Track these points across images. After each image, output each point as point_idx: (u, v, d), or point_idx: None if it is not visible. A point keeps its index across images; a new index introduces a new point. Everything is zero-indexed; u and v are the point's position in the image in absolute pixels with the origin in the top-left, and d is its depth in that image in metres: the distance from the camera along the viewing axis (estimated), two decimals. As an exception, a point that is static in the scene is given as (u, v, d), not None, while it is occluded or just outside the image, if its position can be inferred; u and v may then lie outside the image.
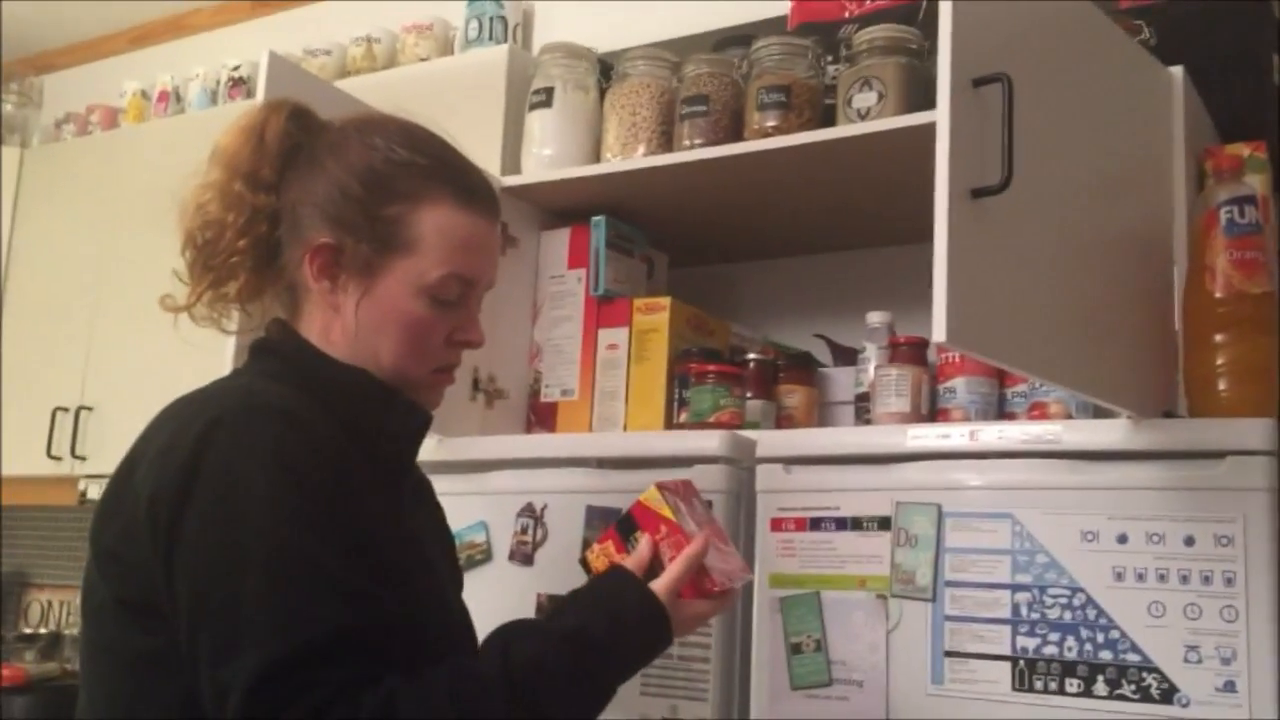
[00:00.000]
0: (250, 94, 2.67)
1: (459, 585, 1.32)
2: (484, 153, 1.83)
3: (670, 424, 1.80)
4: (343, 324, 1.16)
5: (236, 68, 2.81)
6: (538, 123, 1.99)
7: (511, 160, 2.01)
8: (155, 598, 1.01)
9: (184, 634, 0.98)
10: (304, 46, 2.71)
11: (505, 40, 2.35)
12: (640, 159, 1.88)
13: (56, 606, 3.17)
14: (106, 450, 2.67)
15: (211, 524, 0.99)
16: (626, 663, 1.11)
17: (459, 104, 2.06)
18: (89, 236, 2.83)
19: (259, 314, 1.23)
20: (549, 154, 1.97)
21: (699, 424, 1.74)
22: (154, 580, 1.01)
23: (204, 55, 3.04)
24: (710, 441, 1.59)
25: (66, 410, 2.76)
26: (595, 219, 1.93)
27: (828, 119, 1.77)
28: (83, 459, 2.73)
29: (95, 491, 2.70)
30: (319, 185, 1.16)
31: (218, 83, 2.84)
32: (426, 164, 1.17)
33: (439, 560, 1.26)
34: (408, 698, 0.96)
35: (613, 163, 1.91)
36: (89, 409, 2.74)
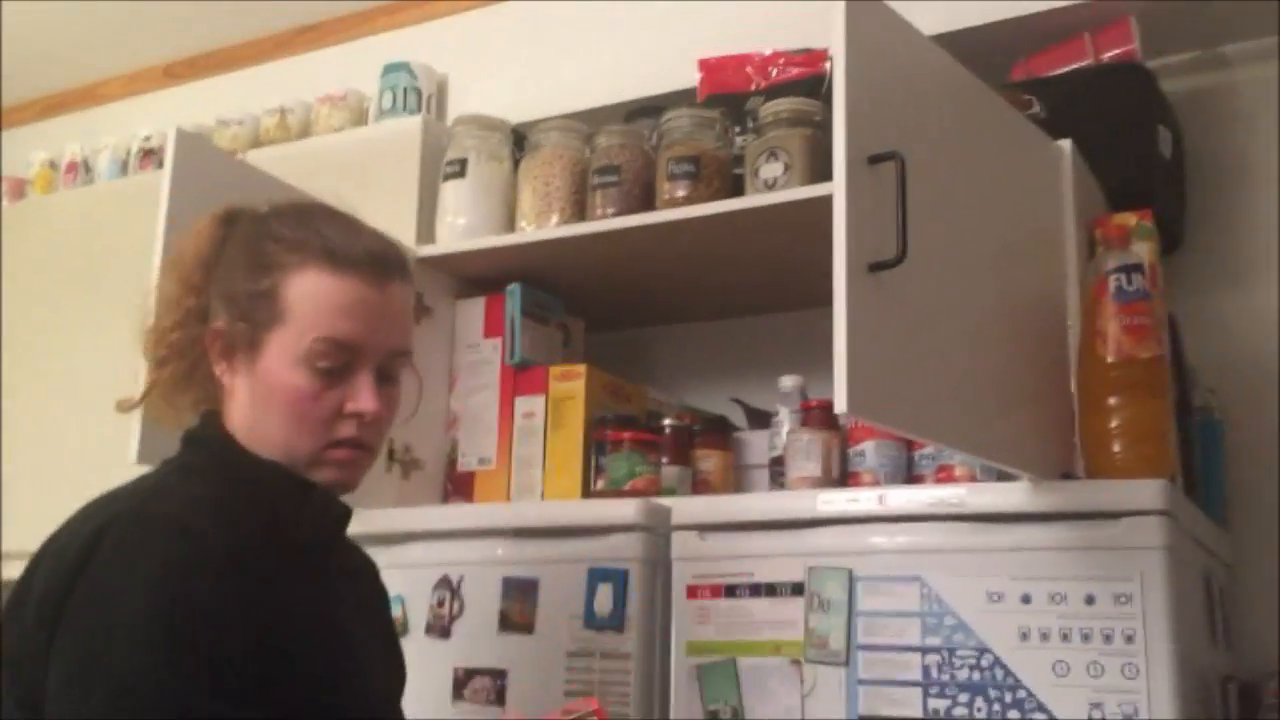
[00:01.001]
0: (160, 164, 2.65)
1: (400, 679, 1.32)
2: (399, 222, 1.83)
3: (588, 491, 1.81)
4: (239, 406, 1.18)
5: (148, 138, 2.77)
6: (452, 192, 2.00)
7: (426, 230, 2.01)
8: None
9: None
10: (217, 116, 2.69)
11: (419, 111, 2.36)
12: (554, 228, 1.90)
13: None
14: (13, 530, 2.59)
15: (78, 635, 0.99)
16: None
17: (373, 174, 2.07)
18: (-4, 307, 2.77)
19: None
20: (463, 223, 1.98)
21: (615, 491, 1.75)
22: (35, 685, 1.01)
23: (115, 125, 3.01)
24: (626, 510, 1.60)
25: (-30, 487, 2.68)
26: (510, 287, 1.95)
27: (737, 188, 1.80)
28: (-13, 538, 2.64)
29: (8, 572, 2.61)
30: (221, 273, 1.20)
31: (128, 152, 2.80)
32: (297, 235, 1.18)
33: (373, 656, 1.25)
34: None
35: (527, 232, 1.92)
36: (-6, 486, 2.67)
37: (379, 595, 1.35)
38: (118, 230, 2.37)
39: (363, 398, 1.17)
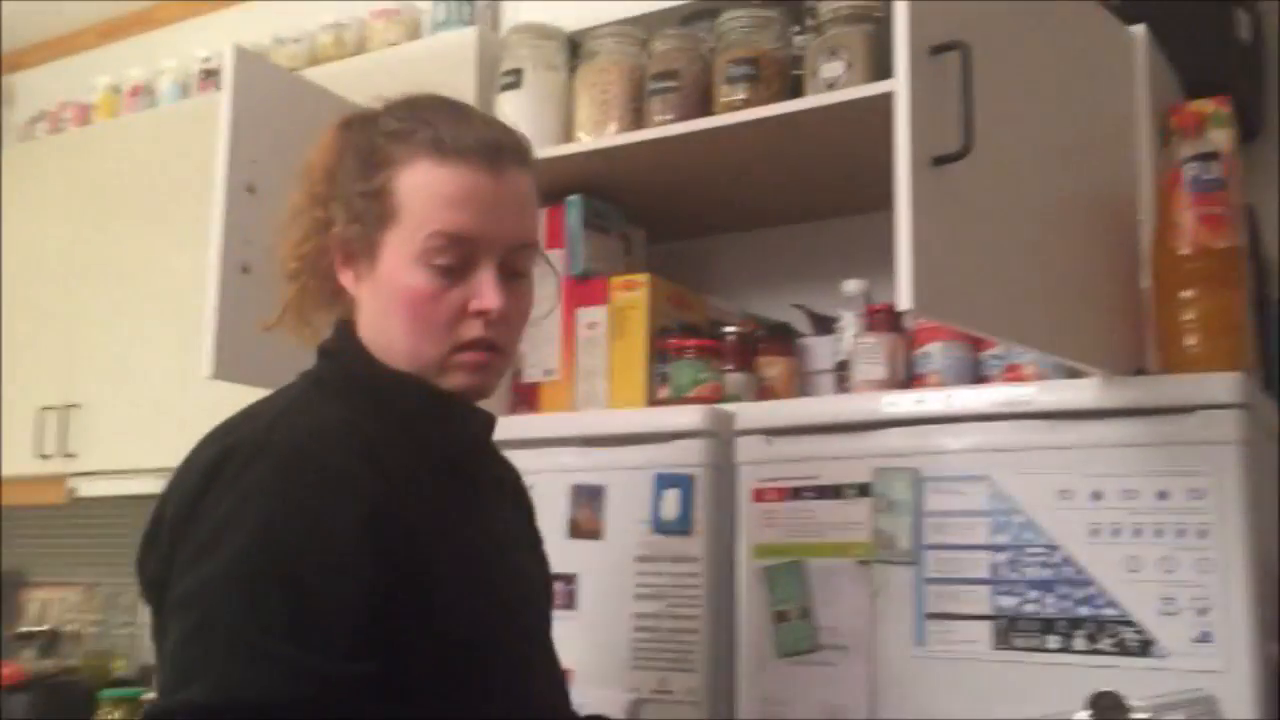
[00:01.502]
0: (220, 85, 2.67)
1: (549, 589, 1.29)
2: (456, 136, 1.82)
3: (652, 400, 1.82)
4: (366, 316, 1.14)
5: (207, 59, 2.79)
6: (508, 104, 1.99)
7: (484, 143, 2.00)
8: None
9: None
10: (273, 35, 2.70)
11: (473, 23, 2.34)
12: (612, 137, 1.88)
13: (54, 604, 3.18)
14: (95, 447, 2.68)
15: (190, 565, 0.97)
16: None
17: (429, 87, 2.05)
18: (68, 233, 2.82)
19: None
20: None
21: (680, 399, 1.76)
22: None
23: (173, 48, 3.03)
24: (690, 416, 1.60)
25: (53, 409, 2.77)
26: (570, 198, 1.94)
27: (796, 90, 1.77)
28: (72, 456, 2.74)
29: (86, 489, 2.71)
30: (340, 179, 1.15)
31: (189, 75, 2.83)
32: (404, 128, 1.12)
33: (522, 566, 1.22)
34: None
35: (585, 142, 1.91)
36: (76, 406, 2.75)
37: (525, 504, 1.32)
38: (182, 151, 2.41)
39: (485, 295, 1.10)
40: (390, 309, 1.11)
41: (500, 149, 1.12)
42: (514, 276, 1.13)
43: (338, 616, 0.97)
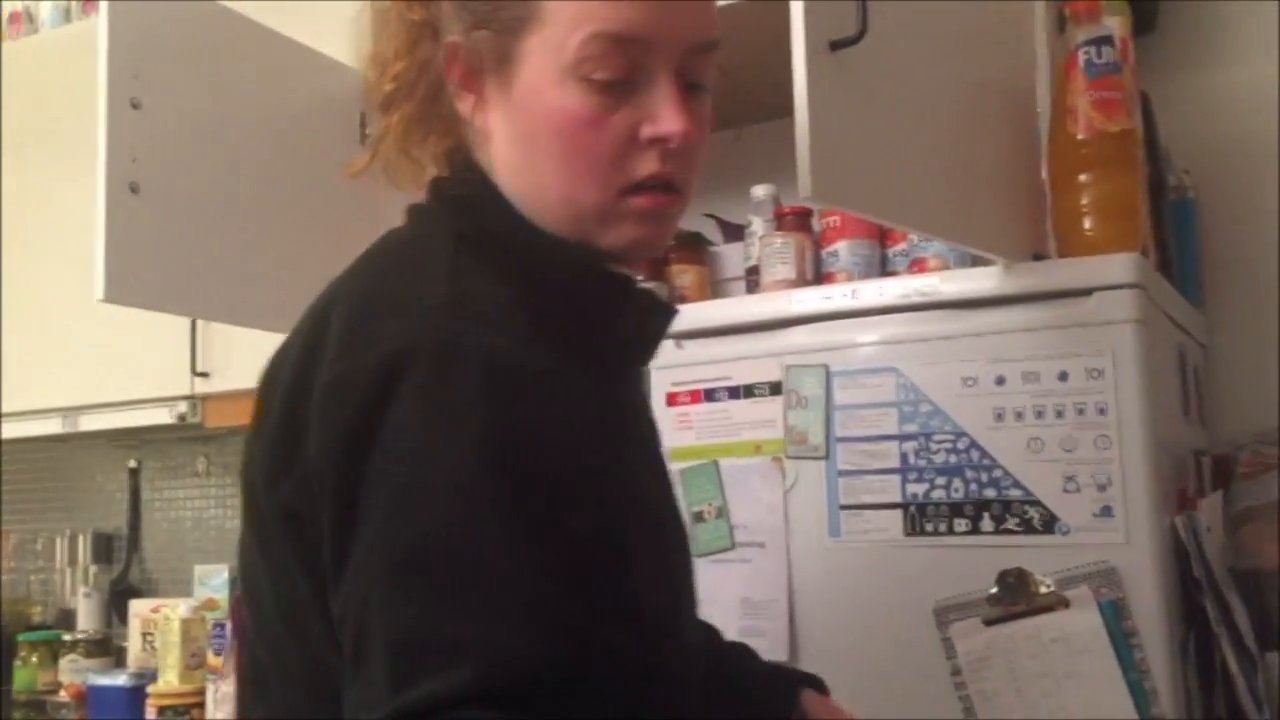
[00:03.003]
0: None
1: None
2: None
3: (564, 312, 1.80)
4: (499, 153, 0.87)
5: (89, -17, 2.68)
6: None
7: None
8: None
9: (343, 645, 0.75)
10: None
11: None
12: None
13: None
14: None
15: (376, 515, 0.73)
16: None
17: None
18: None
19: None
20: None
21: (591, 309, 1.74)
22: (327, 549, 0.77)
23: (54, -27, 2.90)
24: (602, 324, 1.59)
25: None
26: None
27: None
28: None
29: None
30: None
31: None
32: None
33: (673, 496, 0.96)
34: None
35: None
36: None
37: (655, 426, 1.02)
38: (67, 78, 2.31)
39: (665, 116, 0.83)
40: (535, 141, 0.84)
41: None
42: (694, 90, 0.87)
43: (590, 562, 0.75)
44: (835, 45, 1.11)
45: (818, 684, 1.11)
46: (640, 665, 0.78)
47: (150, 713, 2.13)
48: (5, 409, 2.42)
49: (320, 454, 0.76)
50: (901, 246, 1.59)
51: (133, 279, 1.42)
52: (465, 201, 0.88)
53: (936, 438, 1.35)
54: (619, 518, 0.81)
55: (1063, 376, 1.30)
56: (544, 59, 0.83)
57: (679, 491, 1.48)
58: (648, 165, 0.84)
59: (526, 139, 0.85)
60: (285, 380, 0.82)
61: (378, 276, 0.84)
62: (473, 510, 0.72)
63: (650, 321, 0.92)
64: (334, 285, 0.86)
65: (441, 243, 0.84)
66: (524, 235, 0.86)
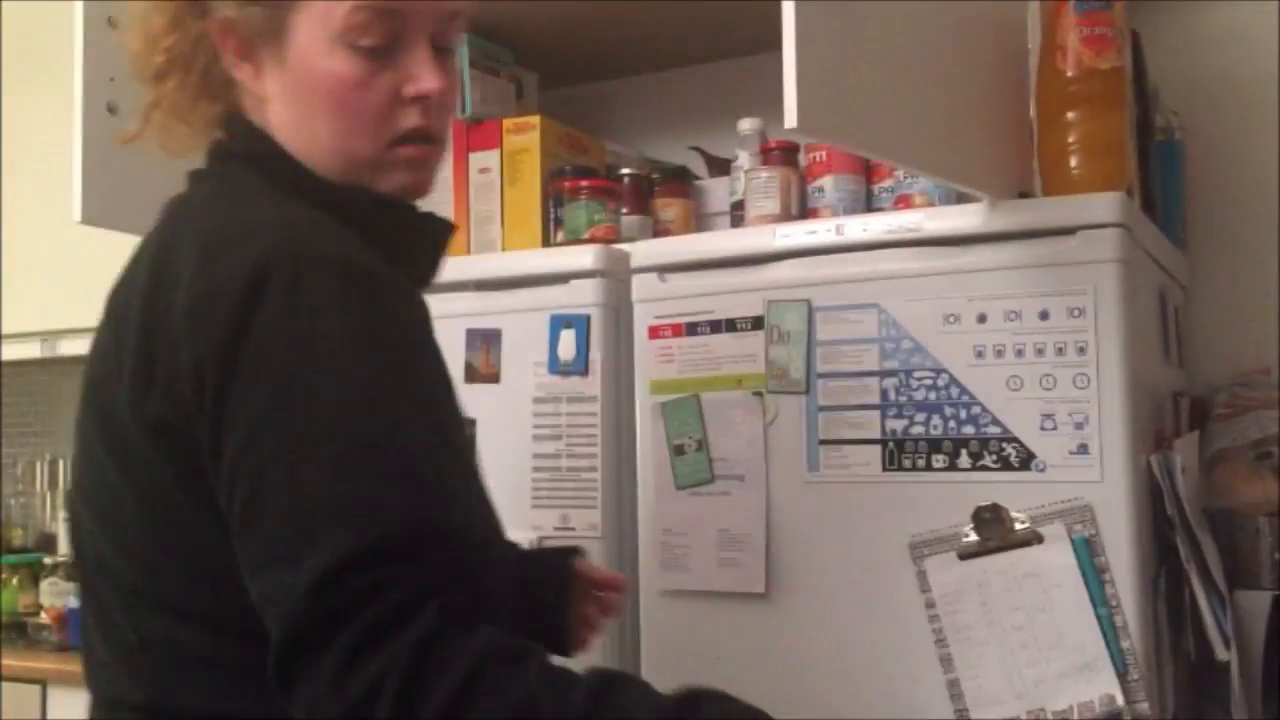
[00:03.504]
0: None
1: None
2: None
3: (548, 244, 1.80)
4: (275, 115, 0.97)
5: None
6: (390, -61, 1.90)
7: (365, -19, 1.92)
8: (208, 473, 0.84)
9: (233, 526, 0.82)
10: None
11: None
12: (499, -28, 1.81)
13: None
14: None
15: (262, 399, 0.81)
16: None
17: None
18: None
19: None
20: (403, -28, 1.89)
21: (575, 241, 1.74)
22: (203, 454, 0.84)
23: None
24: (585, 257, 1.59)
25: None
26: (457, 38, 1.87)
27: (687, -81, 1.72)
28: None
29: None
30: None
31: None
32: None
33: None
34: (496, 669, 0.78)
35: (470, -23, 1.84)
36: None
37: None
38: (48, 3, 2.27)
39: (423, 76, 0.95)
40: (311, 103, 0.94)
41: None
42: (444, 53, 0.98)
43: (442, 431, 0.89)
44: (824, -25, 1.09)
45: (580, 552, 1.28)
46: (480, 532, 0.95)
47: (131, 636, 2.14)
48: (-17, 332, 2.40)
49: (195, 360, 0.83)
50: (887, 183, 1.58)
51: (110, 201, 1.41)
52: (253, 155, 0.97)
53: (917, 374, 1.36)
54: (451, 405, 0.95)
55: (1044, 315, 1.30)
56: (313, 29, 0.94)
57: (661, 424, 1.49)
58: (410, 119, 0.96)
59: (302, 100, 0.95)
60: (135, 312, 0.88)
61: (211, 215, 0.92)
62: (355, 388, 0.82)
63: (432, 235, 1.02)
64: (157, 236, 0.94)
65: (254, 186, 0.94)
66: (314, 180, 0.96)
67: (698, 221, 1.88)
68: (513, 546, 1.17)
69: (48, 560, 2.41)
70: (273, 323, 0.82)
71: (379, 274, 0.88)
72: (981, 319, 1.33)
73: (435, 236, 1.03)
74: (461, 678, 0.76)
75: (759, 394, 1.45)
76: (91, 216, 1.39)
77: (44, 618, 2.33)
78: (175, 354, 0.84)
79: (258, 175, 0.95)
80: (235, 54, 0.97)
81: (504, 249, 1.82)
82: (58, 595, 2.33)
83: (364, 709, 0.74)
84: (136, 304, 0.89)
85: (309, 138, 0.96)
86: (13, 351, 2.41)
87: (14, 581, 2.41)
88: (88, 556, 0.96)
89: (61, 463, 2.74)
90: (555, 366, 1.58)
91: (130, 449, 0.88)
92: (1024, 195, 1.38)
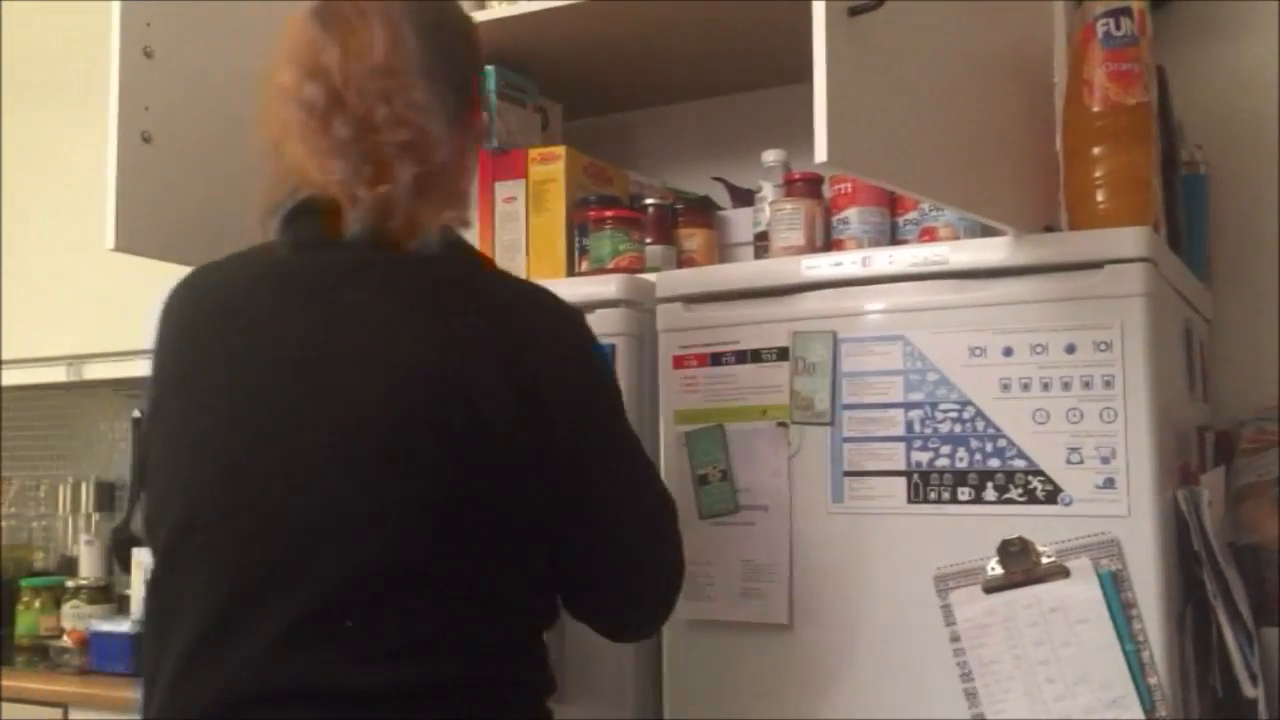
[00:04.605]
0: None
1: None
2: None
3: (572, 273, 1.81)
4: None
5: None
6: (418, -29, 1.93)
7: (394, 12, 1.94)
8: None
9: (591, 507, 1.15)
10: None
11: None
12: (526, 4, 1.83)
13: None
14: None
15: (607, 412, 1.21)
16: None
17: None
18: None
19: None
20: (432, 3, 1.91)
21: (599, 270, 1.75)
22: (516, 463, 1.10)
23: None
24: (610, 286, 1.60)
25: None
26: (484, 68, 1.89)
27: (713, -47, 1.74)
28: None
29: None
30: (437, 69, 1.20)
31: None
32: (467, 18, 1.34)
33: None
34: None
35: (498, 9, 1.86)
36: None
37: None
38: (72, 25, 2.30)
39: None
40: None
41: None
42: None
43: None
44: (854, 11, 1.10)
45: None
46: None
47: (152, 661, 2.14)
48: (11, 356, 2.42)
49: (549, 379, 1.12)
50: (911, 215, 1.59)
51: (143, 229, 1.43)
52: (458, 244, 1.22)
53: (942, 406, 1.36)
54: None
55: (1070, 349, 1.30)
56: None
57: (685, 454, 1.50)
58: None
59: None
60: (486, 359, 1.09)
61: (522, 292, 1.23)
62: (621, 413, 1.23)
63: None
64: (460, 297, 1.14)
65: (493, 270, 1.29)
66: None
67: (721, 251, 1.89)
68: None
69: (70, 583, 2.42)
70: (591, 360, 1.21)
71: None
72: (1008, 352, 1.33)
73: None
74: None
75: (784, 425, 1.45)
76: (125, 244, 1.41)
77: (66, 641, 2.33)
78: (531, 370, 1.10)
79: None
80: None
81: (528, 278, 1.82)
82: (79, 619, 2.34)
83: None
84: (487, 351, 1.09)
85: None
86: (39, 375, 2.43)
87: (36, 604, 2.42)
88: (366, 551, 1.05)
89: (84, 486, 2.76)
90: (580, 395, 1.58)
91: (491, 465, 1.08)
92: (1050, 229, 1.38)
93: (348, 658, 1.03)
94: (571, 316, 1.20)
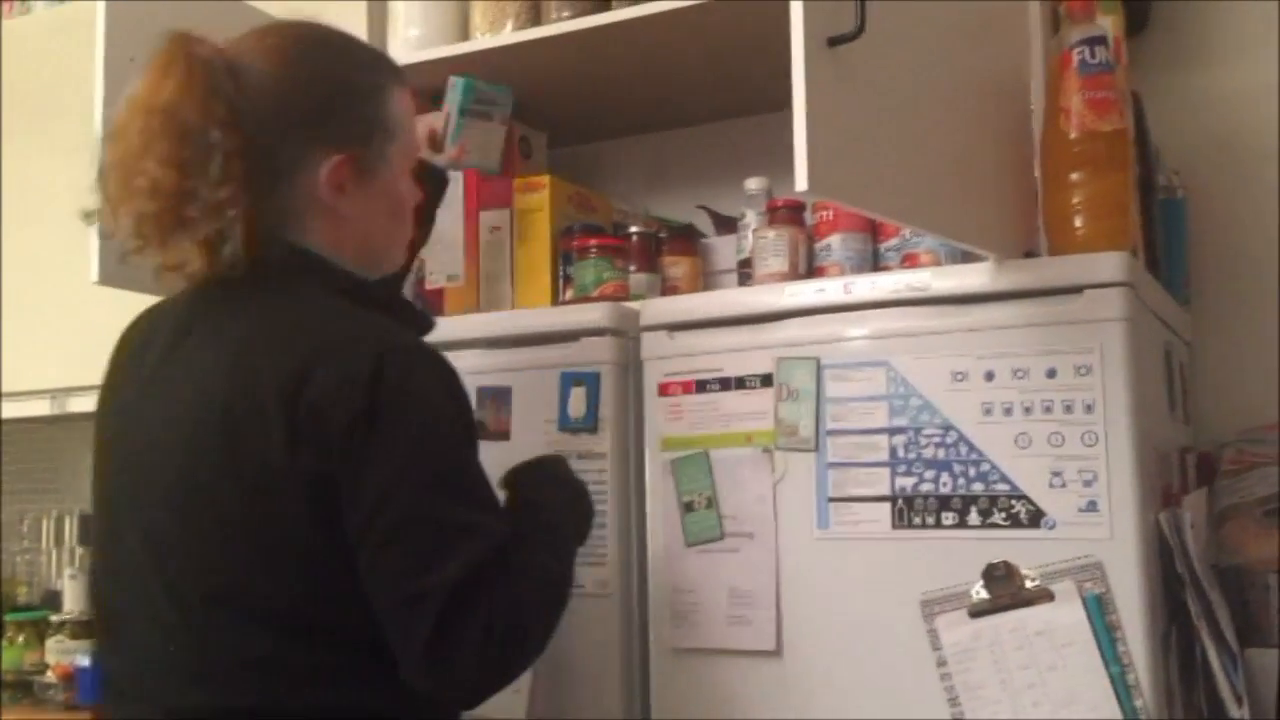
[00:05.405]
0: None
1: None
2: (349, 37, 1.77)
3: (557, 301, 1.81)
4: (343, 229, 1.24)
5: (84, -36, 2.67)
6: (402, 4, 1.94)
7: (378, 43, 1.96)
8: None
9: (370, 546, 1.10)
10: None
11: (363, -80, 2.26)
12: (509, 35, 1.85)
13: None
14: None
15: (404, 452, 1.11)
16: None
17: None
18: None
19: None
20: (415, 34, 1.92)
21: (584, 298, 1.75)
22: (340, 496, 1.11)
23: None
24: (595, 313, 1.60)
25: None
26: (453, 78, 1.83)
27: (694, -16, 1.75)
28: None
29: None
30: (302, 113, 1.23)
31: (65, -19, 2.70)
32: (372, 58, 1.39)
33: None
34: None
35: (481, 40, 1.87)
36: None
37: None
38: (62, 57, 2.30)
39: (415, 190, 1.33)
40: (390, 217, 1.29)
41: None
42: None
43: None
44: (833, 41, 1.11)
45: None
46: None
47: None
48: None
49: (342, 427, 1.09)
50: (893, 241, 1.60)
51: (128, 262, 1.42)
52: (321, 264, 1.23)
53: (926, 431, 1.37)
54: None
55: (1051, 373, 1.31)
56: (401, 161, 1.29)
57: (671, 481, 1.50)
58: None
59: (382, 216, 1.29)
60: (271, 397, 1.11)
61: (310, 322, 1.18)
62: (458, 447, 1.16)
63: (427, 329, 1.34)
64: (246, 329, 1.18)
65: (334, 298, 1.21)
66: (369, 284, 1.28)
67: (705, 279, 1.89)
68: None
69: (54, 618, 2.40)
70: (393, 404, 1.10)
71: (436, 352, 1.19)
72: (989, 376, 1.34)
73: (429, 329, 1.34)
74: (521, 600, 1.14)
75: (768, 451, 1.46)
76: (109, 277, 1.41)
77: (50, 676, 2.31)
78: (326, 421, 1.09)
79: (343, 282, 1.22)
80: (339, 185, 1.22)
81: (514, 306, 1.84)
82: (64, 653, 2.32)
83: (506, 649, 1.11)
84: (270, 391, 1.11)
85: (367, 246, 1.26)
86: (23, 409, 2.42)
87: (20, 639, 2.40)
88: (184, 584, 1.14)
89: (68, 520, 2.74)
90: (566, 423, 1.59)
91: (275, 497, 1.10)
92: (1030, 254, 1.39)
93: (176, 681, 1.14)
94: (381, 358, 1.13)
